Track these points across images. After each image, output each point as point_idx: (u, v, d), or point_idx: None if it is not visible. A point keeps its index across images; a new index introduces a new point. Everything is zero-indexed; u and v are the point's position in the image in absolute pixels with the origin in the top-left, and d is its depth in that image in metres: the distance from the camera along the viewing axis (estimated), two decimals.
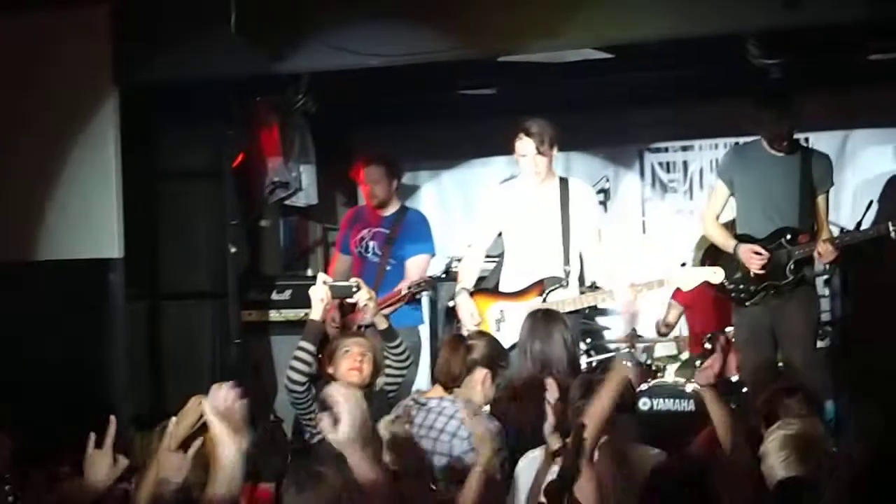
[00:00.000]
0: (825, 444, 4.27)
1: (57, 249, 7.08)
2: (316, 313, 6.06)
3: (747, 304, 6.87)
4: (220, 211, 7.74)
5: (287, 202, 8.64)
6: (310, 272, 8.97)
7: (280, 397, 7.75)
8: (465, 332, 6.70)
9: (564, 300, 6.66)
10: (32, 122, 7.17)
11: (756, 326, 6.89)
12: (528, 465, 4.80)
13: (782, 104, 6.75)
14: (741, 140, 7.21)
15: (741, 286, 6.84)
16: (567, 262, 6.72)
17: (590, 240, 6.81)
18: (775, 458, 4.19)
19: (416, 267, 7.69)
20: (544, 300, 6.67)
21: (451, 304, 7.15)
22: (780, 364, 6.91)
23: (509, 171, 8.88)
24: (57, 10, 7.17)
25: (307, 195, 8.75)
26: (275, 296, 8.28)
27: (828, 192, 6.90)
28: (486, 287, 7.00)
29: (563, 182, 6.82)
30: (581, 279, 7.02)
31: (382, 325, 6.19)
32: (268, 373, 8.08)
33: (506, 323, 6.72)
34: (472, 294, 6.87)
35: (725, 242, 6.93)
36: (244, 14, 6.70)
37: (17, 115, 7.20)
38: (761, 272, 6.74)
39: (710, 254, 7.15)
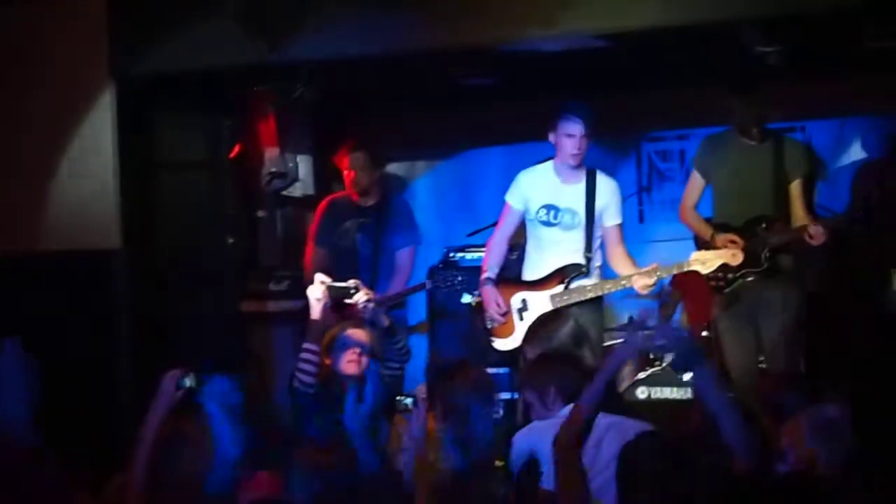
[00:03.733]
0: (847, 431, 4.24)
1: (56, 240, 7.09)
2: (315, 313, 6.03)
3: (725, 291, 6.90)
4: (218, 201, 7.75)
5: (284, 193, 8.64)
6: None
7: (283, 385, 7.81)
8: (488, 325, 6.76)
9: (585, 287, 6.67)
10: (29, 114, 7.17)
11: (736, 315, 6.92)
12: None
13: (752, 93, 6.80)
14: None
15: (719, 274, 6.86)
16: (589, 249, 6.71)
17: (612, 231, 6.79)
18: (805, 450, 4.16)
19: (407, 258, 7.69)
20: (566, 288, 6.68)
21: (471, 300, 7.14)
22: (762, 355, 6.94)
23: (507, 162, 8.90)
24: (52, 1, 7.17)
25: (304, 186, 8.75)
26: (272, 286, 8.30)
27: (804, 178, 6.91)
28: (508, 276, 6.99)
29: (591, 173, 6.80)
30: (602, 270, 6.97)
31: (385, 322, 6.20)
32: (267, 363, 8.10)
33: (528, 312, 6.74)
34: (495, 284, 6.86)
35: (702, 232, 6.96)
36: (241, 3, 6.71)
37: (14, 108, 7.20)
38: (738, 261, 6.74)
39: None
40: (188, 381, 4.68)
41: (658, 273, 6.63)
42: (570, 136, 6.64)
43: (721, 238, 6.79)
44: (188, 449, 4.52)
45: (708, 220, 7.03)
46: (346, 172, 7.84)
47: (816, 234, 6.66)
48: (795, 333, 6.92)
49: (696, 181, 7.11)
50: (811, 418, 4.26)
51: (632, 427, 4.96)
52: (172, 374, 4.69)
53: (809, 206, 7.00)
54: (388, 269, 7.64)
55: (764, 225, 6.81)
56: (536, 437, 5.13)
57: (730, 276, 6.84)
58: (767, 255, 6.78)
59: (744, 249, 6.70)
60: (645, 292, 6.71)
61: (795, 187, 6.90)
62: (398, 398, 5.47)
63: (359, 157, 7.73)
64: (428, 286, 7.62)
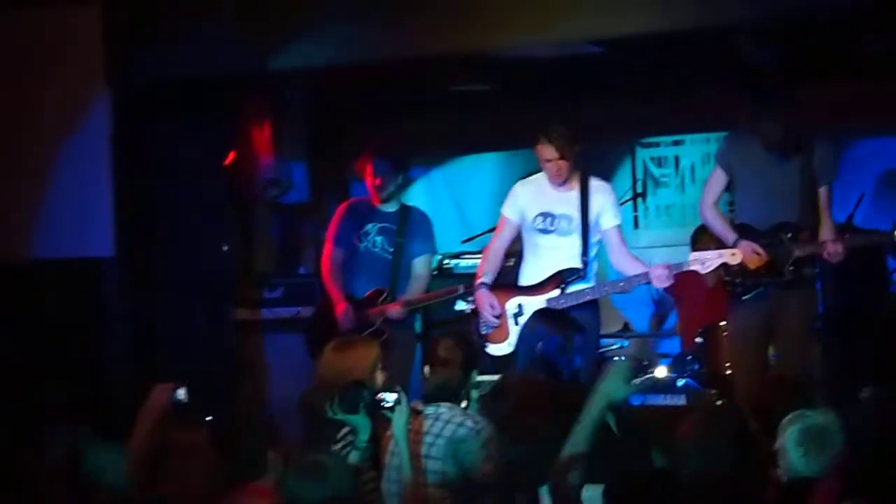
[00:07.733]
0: (838, 437, 4.19)
1: (50, 248, 7.08)
2: None
3: (743, 297, 6.80)
4: (212, 209, 7.74)
5: (279, 199, 8.64)
6: (302, 270, 8.98)
7: (277, 393, 7.80)
8: (482, 330, 6.74)
9: (583, 291, 6.67)
10: (25, 122, 7.17)
11: (750, 321, 6.82)
12: None
13: (781, 106, 6.63)
14: None
15: (738, 280, 6.76)
16: (585, 253, 6.70)
17: (612, 233, 6.77)
18: (794, 454, 4.14)
19: (424, 266, 7.70)
20: (563, 292, 6.67)
21: (465, 307, 7.13)
22: (773, 359, 6.89)
23: (500, 168, 8.91)
24: (47, 9, 7.17)
25: (299, 192, 8.74)
26: (267, 294, 8.29)
27: (830, 183, 6.77)
28: (503, 282, 6.96)
29: (584, 178, 6.78)
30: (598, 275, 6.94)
31: None
32: (260, 371, 8.09)
33: (524, 317, 6.70)
34: (490, 289, 6.83)
35: (725, 234, 6.80)
36: (236, 11, 6.72)
37: (9, 116, 7.20)
38: (737, 261, 6.64)
39: (702, 240, 7.12)
40: (181, 394, 4.65)
41: (672, 272, 6.56)
42: (547, 160, 6.63)
43: (745, 246, 6.64)
44: (191, 462, 4.46)
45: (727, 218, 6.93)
46: (368, 178, 7.81)
47: (835, 251, 6.54)
48: (808, 341, 6.86)
49: (719, 177, 6.86)
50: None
51: None
52: (163, 386, 4.64)
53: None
54: (404, 275, 7.64)
55: (790, 234, 6.61)
56: None
57: (749, 282, 6.74)
58: (791, 267, 6.61)
59: (767, 259, 6.61)
60: (663, 284, 6.66)
61: (823, 193, 6.65)
62: (379, 395, 5.04)
63: (382, 163, 7.72)
64: (460, 291, 7.58)
